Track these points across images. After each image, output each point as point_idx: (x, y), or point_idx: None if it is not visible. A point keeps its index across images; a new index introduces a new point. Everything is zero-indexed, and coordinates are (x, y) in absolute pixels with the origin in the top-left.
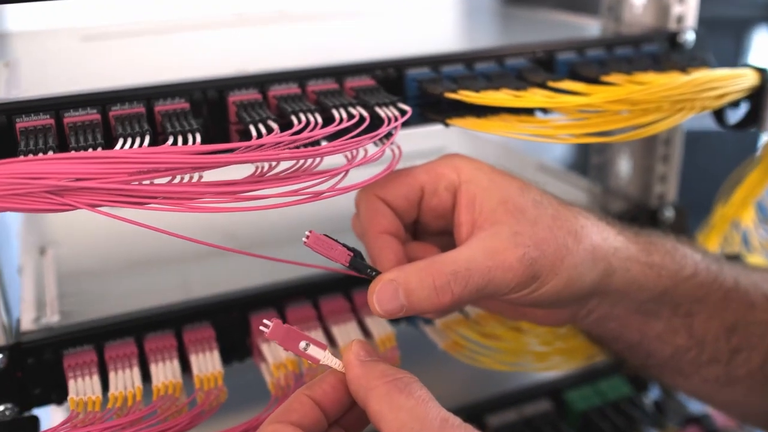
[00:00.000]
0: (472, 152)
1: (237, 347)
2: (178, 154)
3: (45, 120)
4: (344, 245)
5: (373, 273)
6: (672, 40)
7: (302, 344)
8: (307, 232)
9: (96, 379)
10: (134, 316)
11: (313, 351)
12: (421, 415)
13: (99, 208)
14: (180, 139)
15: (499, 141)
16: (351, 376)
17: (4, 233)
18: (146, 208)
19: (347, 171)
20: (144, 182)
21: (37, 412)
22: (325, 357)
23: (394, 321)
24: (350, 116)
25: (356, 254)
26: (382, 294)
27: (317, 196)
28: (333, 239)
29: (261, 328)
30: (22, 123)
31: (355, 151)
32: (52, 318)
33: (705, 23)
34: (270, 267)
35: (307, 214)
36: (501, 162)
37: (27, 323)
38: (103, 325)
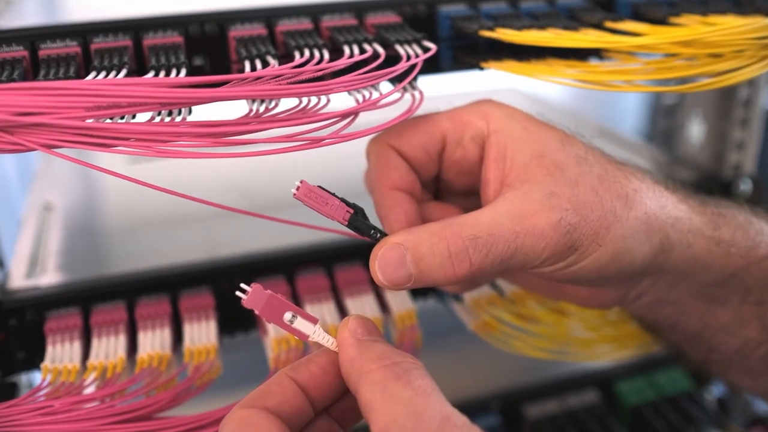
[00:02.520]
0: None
1: (241, 318)
2: (146, 86)
3: (17, 52)
4: (343, 200)
5: (378, 235)
6: None
7: (287, 316)
8: (297, 182)
9: (77, 345)
10: (126, 278)
11: (301, 325)
12: (418, 410)
13: (56, 150)
14: (162, 74)
15: (562, 105)
16: (344, 357)
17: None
18: (113, 150)
19: (357, 114)
20: (120, 120)
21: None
22: (315, 333)
23: (418, 296)
24: (363, 52)
25: (357, 212)
26: (386, 260)
27: (317, 142)
28: (329, 192)
29: (237, 293)
30: None
31: (367, 93)
32: (44, 276)
33: None
34: (286, 228)
35: (339, 172)
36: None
37: (16, 281)
38: (92, 287)
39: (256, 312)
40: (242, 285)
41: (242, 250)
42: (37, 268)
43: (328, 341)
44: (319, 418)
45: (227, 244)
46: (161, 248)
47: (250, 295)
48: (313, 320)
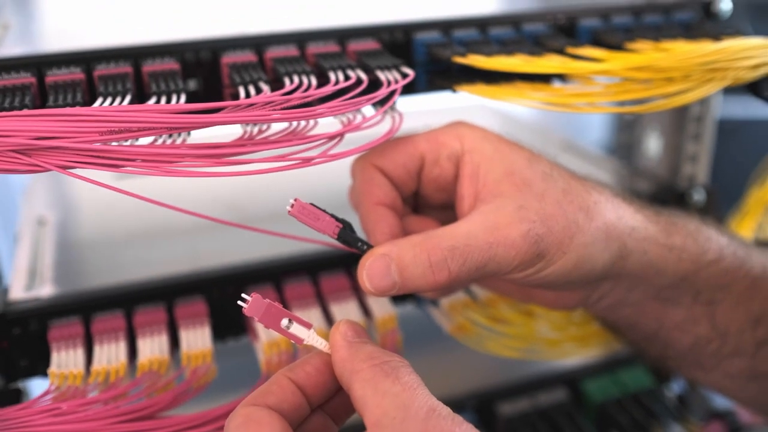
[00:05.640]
0: (496, 129)
1: (232, 324)
2: (153, 112)
3: (26, 78)
4: (333, 216)
5: (365, 247)
6: (706, 8)
7: (284, 322)
8: (291, 200)
9: (80, 352)
10: (124, 289)
11: (297, 330)
12: (406, 403)
13: (71, 170)
14: (164, 99)
15: (528, 120)
16: (336, 358)
17: (5, 202)
18: (121, 170)
19: (342, 136)
20: (124, 143)
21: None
22: (309, 337)
23: (398, 302)
24: (347, 78)
25: (346, 226)
26: (373, 269)
27: (307, 162)
28: (320, 209)
29: (239, 303)
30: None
31: (352, 116)
32: (43, 287)
33: (755, 7)
34: (271, 241)
35: (318, 187)
36: (525, 141)
37: (17, 292)
38: (92, 297)
39: (257, 319)
40: (243, 295)
41: (228, 261)
42: (36, 281)
43: (321, 344)
44: (314, 414)
45: (213, 255)
46: (151, 260)
47: (250, 304)
48: (308, 325)
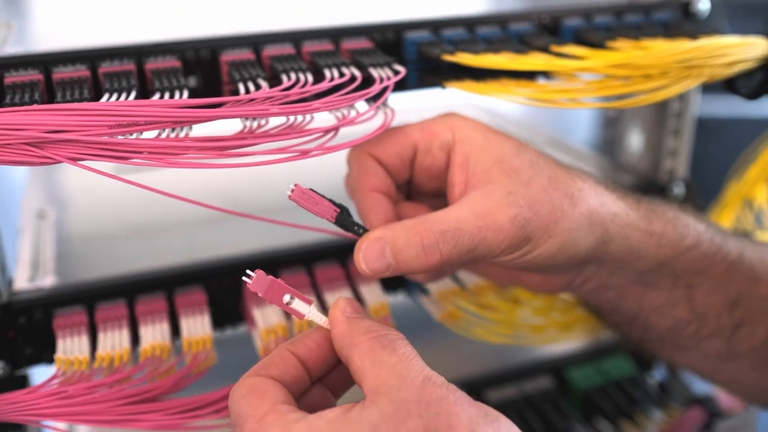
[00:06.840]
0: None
1: (230, 313)
2: (159, 107)
3: (33, 75)
4: (331, 200)
5: (361, 230)
6: (685, 8)
7: (286, 297)
8: (292, 186)
9: (85, 339)
10: (126, 279)
11: (298, 305)
12: (403, 373)
13: (80, 162)
14: (167, 95)
15: (516, 118)
16: (336, 333)
17: (6, 196)
18: (129, 162)
19: (338, 129)
20: (130, 137)
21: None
22: (310, 312)
23: (390, 291)
24: (341, 75)
25: (343, 210)
26: (368, 252)
27: (305, 153)
28: (319, 194)
29: (243, 278)
30: (10, 78)
31: (346, 111)
32: (46, 278)
33: (735, 6)
34: (268, 233)
35: (311, 181)
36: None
37: (21, 283)
38: (95, 287)
39: (260, 294)
40: (247, 271)
41: (224, 253)
42: (39, 272)
43: (321, 320)
44: (314, 386)
45: (211, 248)
46: (151, 252)
47: (254, 280)
48: (308, 301)
